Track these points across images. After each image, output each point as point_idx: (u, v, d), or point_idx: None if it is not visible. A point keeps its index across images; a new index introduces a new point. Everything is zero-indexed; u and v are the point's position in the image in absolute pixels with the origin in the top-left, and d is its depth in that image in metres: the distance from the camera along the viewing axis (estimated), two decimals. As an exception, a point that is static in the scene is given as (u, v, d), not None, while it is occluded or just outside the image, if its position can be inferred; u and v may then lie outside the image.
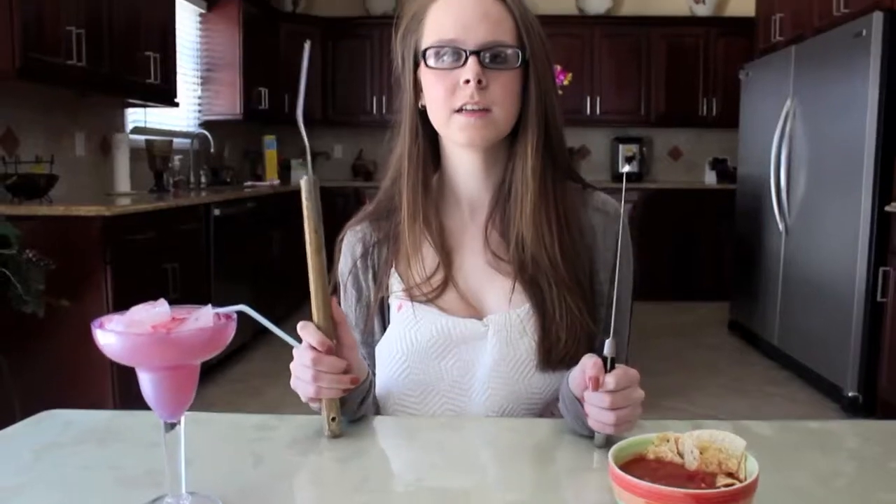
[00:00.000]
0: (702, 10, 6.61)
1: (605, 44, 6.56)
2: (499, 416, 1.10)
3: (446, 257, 1.15)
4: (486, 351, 1.11)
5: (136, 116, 4.75)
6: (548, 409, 1.14)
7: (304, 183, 0.92)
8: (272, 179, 5.97)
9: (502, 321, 1.11)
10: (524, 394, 1.11)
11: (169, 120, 5.18)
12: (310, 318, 0.95)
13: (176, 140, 5.00)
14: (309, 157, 0.95)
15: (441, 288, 1.13)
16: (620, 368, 0.91)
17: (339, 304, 1.22)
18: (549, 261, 1.10)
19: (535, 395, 1.11)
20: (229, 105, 5.63)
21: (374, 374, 1.19)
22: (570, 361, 1.08)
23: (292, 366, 0.98)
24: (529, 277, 1.11)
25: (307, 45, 0.91)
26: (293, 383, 0.99)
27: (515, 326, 1.11)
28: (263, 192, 5.18)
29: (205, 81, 5.64)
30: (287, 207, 5.40)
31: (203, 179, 5.51)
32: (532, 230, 1.10)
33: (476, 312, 1.14)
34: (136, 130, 4.70)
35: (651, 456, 0.71)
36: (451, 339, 1.11)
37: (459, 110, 1.08)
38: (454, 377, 1.12)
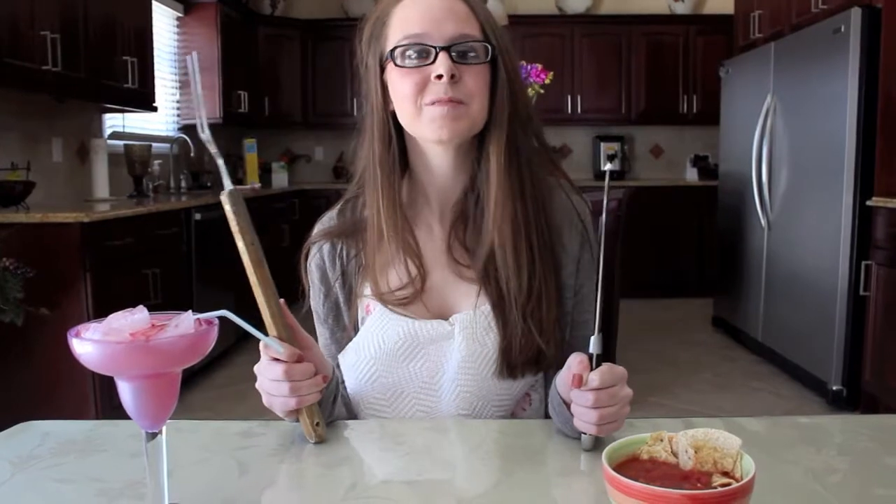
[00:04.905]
0: (681, 8, 6.64)
1: (585, 43, 6.57)
2: (469, 415, 1.10)
3: (417, 267, 1.13)
4: (454, 349, 1.10)
5: (115, 121, 4.70)
6: (519, 405, 1.13)
7: (225, 197, 0.85)
8: (253, 183, 5.94)
9: (468, 319, 1.10)
10: (493, 391, 1.10)
11: (148, 124, 5.13)
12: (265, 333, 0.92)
13: (155, 145, 4.95)
14: (224, 169, 0.88)
15: (412, 297, 1.12)
16: (606, 366, 0.90)
17: (309, 296, 1.20)
18: (517, 261, 1.08)
19: (505, 391, 1.11)
20: (209, 109, 5.57)
21: (341, 371, 1.17)
22: (528, 367, 1.09)
23: (261, 385, 0.96)
24: (494, 279, 1.10)
25: (192, 57, 0.85)
26: (267, 401, 0.96)
27: (481, 323, 1.10)
28: (244, 196, 5.11)
29: (183, 85, 5.59)
30: (268, 211, 5.37)
31: (183, 184, 5.47)
32: (496, 234, 1.08)
33: (442, 313, 1.13)
34: (115, 135, 4.65)
35: (645, 456, 0.69)
36: (419, 340, 1.10)
37: (431, 104, 1.06)
38: (423, 379, 1.12)
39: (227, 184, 0.86)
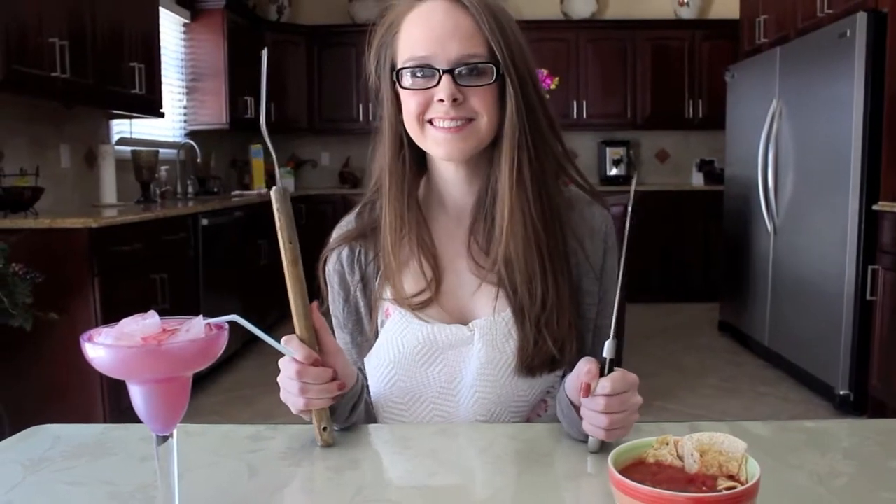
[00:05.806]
0: (686, 13, 6.64)
1: (591, 48, 6.58)
2: (487, 420, 1.10)
3: (433, 270, 1.14)
4: (473, 355, 1.10)
5: (122, 127, 4.72)
6: (534, 411, 1.13)
7: (274, 193, 0.90)
8: (259, 188, 5.96)
9: (488, 325, 1.10)
10: (511, 396, 1.10)
11: (155, 130, 5.15)
12: (293, 330, 0.94)
13: (162, 150, 4.97)
14: (277, 167, 0.93)
15: (429, 300, 1.13)
16: (619, 372, 0.90)
17: (327, 302, 1.21)
18: (529, 271, 1.09)
19: (522, 397, 1.11)
20: (215, 114, 5.60)
21: (366, 378, 1.18)
22: (544, 368, 1.09)
23: (280, 379, 0.97)
24: (511, 285, 1.10)
25: (265, 54, 0.89)
26: (283, 396, 0.98)
27: (501, 329, 1.10)
28: (251, 201, 5.16)
29: (190, 91, 5.61)
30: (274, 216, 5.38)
31: (190, 189, 5.49)
32: (511, 241, 1.09)
33: (461, 318, 1.13)
34: (122, 141, 4.68)
35: (651, 459, 0.70)
36: (438, 345, 1.11)
37: (432, 122, 1.08)
38: (441, 384, 1.12)
39: (278, 181, 0.89)
